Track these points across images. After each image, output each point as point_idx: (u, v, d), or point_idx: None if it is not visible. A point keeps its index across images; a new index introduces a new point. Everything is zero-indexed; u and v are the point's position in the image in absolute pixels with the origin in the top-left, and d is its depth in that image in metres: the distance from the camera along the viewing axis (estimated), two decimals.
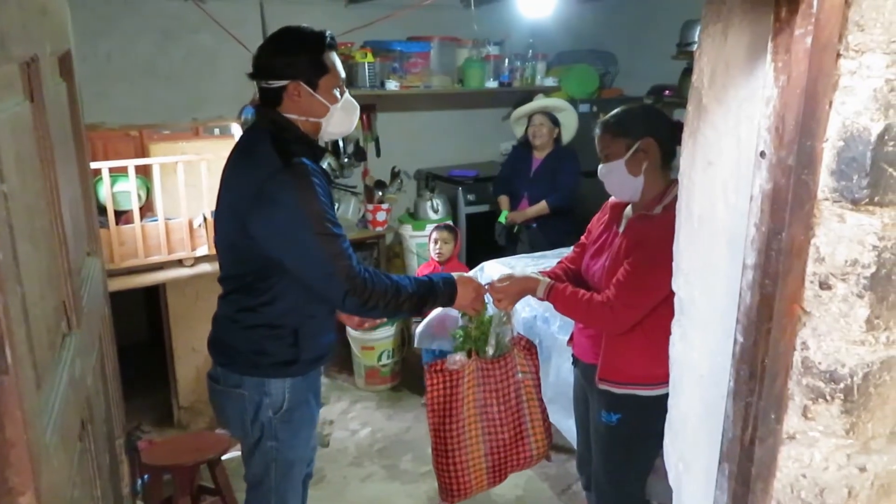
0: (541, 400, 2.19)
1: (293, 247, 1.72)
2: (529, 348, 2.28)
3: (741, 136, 1.04)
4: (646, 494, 2.17)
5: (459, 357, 2.21)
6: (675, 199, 1.90)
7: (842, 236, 0.94)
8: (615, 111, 2.01)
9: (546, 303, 2.91)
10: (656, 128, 1.94)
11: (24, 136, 0.86)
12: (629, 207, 2.06)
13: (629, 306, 1.87)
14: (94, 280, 1.26)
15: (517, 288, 2.05)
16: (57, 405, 0.82)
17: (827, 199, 0.94)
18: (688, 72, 4.52)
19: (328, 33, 1.84)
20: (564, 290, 1.99)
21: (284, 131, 1.82)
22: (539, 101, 4.29)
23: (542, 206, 4.04)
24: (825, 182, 0.93)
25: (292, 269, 1.76)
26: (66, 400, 0.86)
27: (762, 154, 0.97)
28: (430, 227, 4.31)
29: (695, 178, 1.13)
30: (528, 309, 3.06)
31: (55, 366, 0.87)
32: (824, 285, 0.96)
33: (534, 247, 4.01)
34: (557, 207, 4.06)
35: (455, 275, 1.94)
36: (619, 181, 1.94)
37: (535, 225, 4.13)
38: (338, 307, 1.84)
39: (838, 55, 0.89)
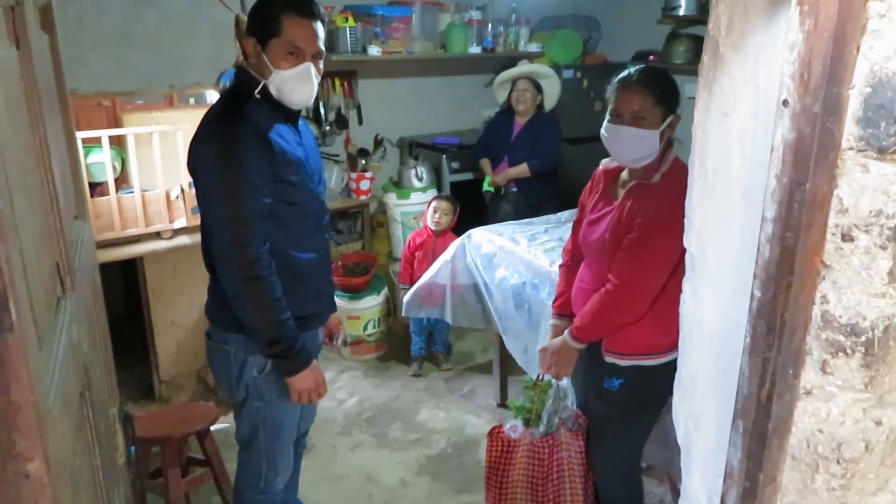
0: (583, 477, 2.21)
1: (202, 193, 1.78)
2: (580, 427, 2.26)
3: (760, 85, 1.01)
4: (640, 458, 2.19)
5: (517, 424, 2.26)
6: (673, 166, 1.90)
7: (865, 186, 0.92)
8: (651, 71, 1.91)
9: (535, 267, 2.92)
10: (679, 103, 1.92)
11: (11, 84, 0.80)
12: (625, 173, 2.02)
13: (636, 285, 1.87)
14: (84, 244, 1.21)
15: (562, 355, 2.09)
16: (58, 369, 0.77)
17: (851, 149, 0.92)
18: (673, 37, 4.49)
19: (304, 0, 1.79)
20: (577, 325, 2.02)
21: (245, 86, 1.82)
22: (524, 67, 4.24)
23: (522, 168, 4.03)
24: (850, 130, 0.91)
25: (202, 212, 1.82)
26: (66, 364, 0.81)
27: (784, 102, 0.94)
28: (414, 195, 4.27)
29: (709, 130, 1.10)
30: (517, 276, 3.04)
31: (53, 328, 0.82)
32: (846, 237, 0.94)
33: (515, 210, 3.99)
34: (540, 171, 4.04)
35: (315, 362, 1.90)
36: (646, 150, 1.87)
37: (515, 189, 4.11)
38: (217, 266, 1.80)
39: None
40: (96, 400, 1.08)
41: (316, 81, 1.84)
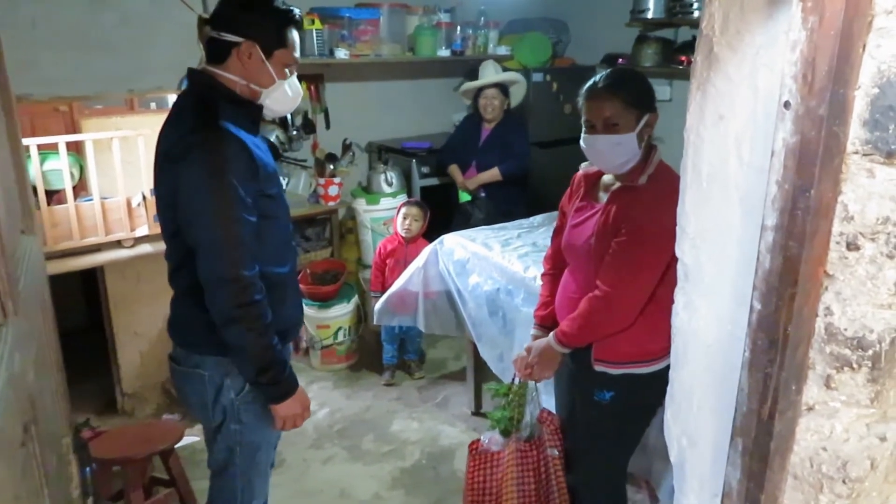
0: (563, 469, 2.16)
1: (190, 214, 1.63)
2: (552, 422, 2.22)
3: (758, 87, 0.95)
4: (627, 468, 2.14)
5: (495, 436, 2.19)
6: (658, 167, 1.86)
7: (871, 192, 0.87)
8: (617, 75, 1.85)
9: (509, 273, 2.87)
10: (654, 99, 1.87)
11: None
12: (607, 177, 1.97)
13: (626, 290, 1.81)
14: (31, 261, 1.11)
15: (545, 357, 2.02)
16: None
17: (856, 153, 0.87)
18: (641, 40, 4.48)
19: (298, 12, 1.78)
20: (564, 330, 1.95)
21: (213, 90, 1.71)
22: (492, 77, 4.17)
23: (493, 173, 3.97)
24: (856, 134, 0.86)
25: (186, 235, 1.66)
26: (4, 402, 0.72)
27: (786, 104, 0.89)
28: (384, 200, 4.19)
29: (703, 134, 1.04)
30: (491, 282, 2.98)
31: None
32: (852, 246, 0.89)
33: (486, 217, 3.93)
34: (511, 175, 3.99)
35: (301, 388, 1.83)
36: (627, 154, 1.82)
37: (483, 194, 4.05)
38: (208, 292, 1.67)
39: None
40: (45, 433, 0.98)
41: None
